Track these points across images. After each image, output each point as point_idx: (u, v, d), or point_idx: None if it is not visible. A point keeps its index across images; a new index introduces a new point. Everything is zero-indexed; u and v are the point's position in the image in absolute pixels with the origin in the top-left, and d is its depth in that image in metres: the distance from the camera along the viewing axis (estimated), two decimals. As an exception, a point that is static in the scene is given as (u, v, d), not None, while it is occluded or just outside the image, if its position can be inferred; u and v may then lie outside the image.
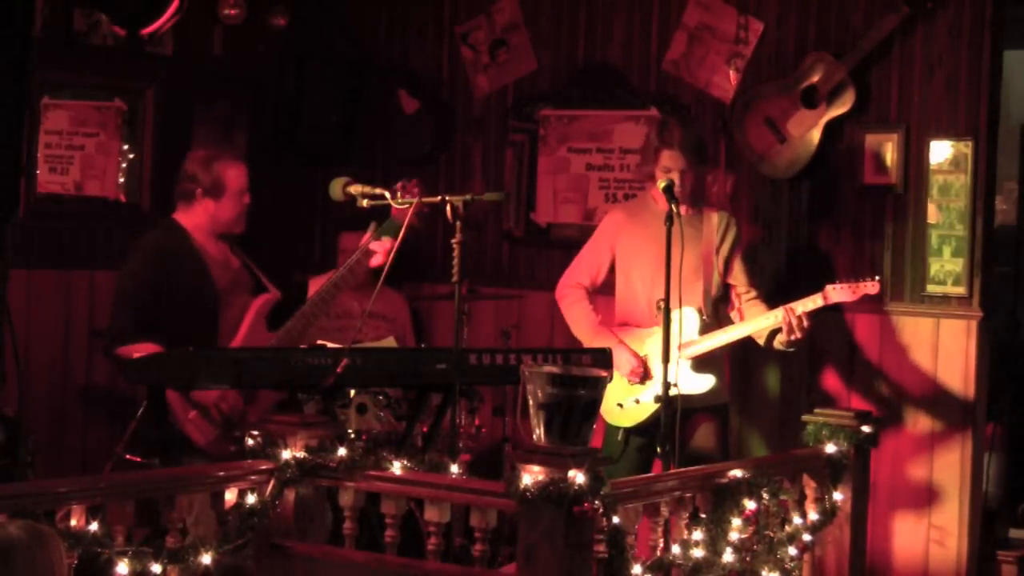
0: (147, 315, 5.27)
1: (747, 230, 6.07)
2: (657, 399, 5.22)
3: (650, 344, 5.50)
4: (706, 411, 5.59)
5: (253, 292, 5.51)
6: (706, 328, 5.56)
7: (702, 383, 5.52)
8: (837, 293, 5.46)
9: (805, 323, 5.44)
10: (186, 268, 5.38)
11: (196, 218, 5.46)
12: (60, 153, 6.60)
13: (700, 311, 5.55)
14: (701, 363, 5.54)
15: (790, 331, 5.44)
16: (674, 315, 5.17)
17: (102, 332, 5.59)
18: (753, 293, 5.70)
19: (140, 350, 5.15)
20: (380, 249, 5.36)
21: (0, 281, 4.67)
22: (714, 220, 5.69)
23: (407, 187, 5.22)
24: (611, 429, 5.68)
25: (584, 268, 5.81)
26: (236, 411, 5.24)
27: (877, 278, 5.49)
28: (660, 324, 5.14)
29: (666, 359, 5.02)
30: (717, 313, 5.70)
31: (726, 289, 5.72)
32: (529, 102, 6.91)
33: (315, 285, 5.53)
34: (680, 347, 5.37)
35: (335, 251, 6.74)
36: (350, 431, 5.35)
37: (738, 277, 5.70)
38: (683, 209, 5.56)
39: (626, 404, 5.60)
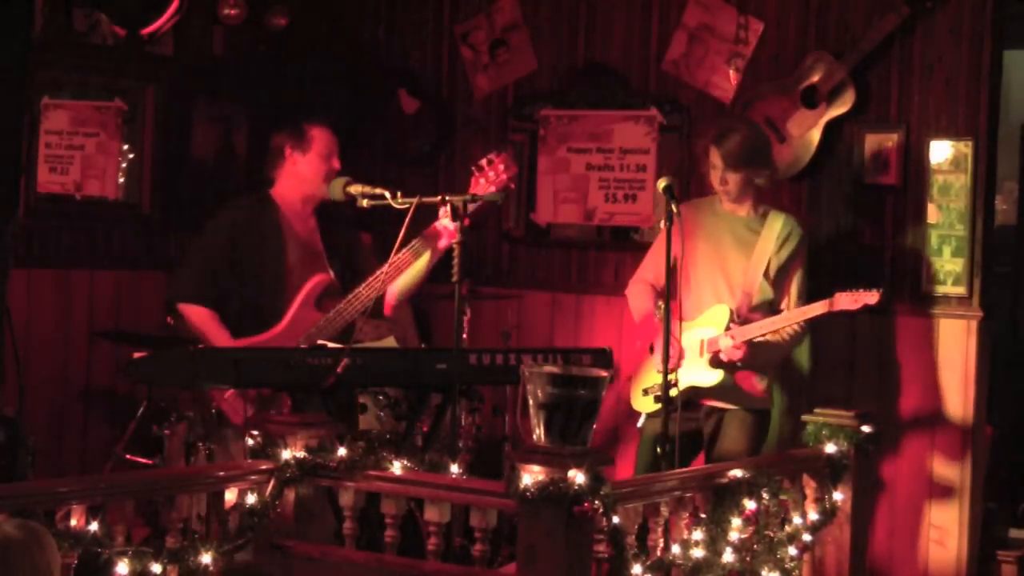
0: (212, 280, 5.33)
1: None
2: (669, 391, 5.13)
3: (683, 338, 5.48)
4: (742, 412, 5.57)
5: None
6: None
7: (711, 376, 5.51)
8: (842, 301, 5.42)
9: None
10: (263, 243, 5.39)
11: (288, 184, 5.44)
12: (60, 153, 6.60)
13: (732, 311, 5.52)
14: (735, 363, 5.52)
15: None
16: (709, 311, 5.40)
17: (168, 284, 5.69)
18: (778, 312, 5.57)
19: (196, 313, 5.27)
20: (445, 232, 5.21)
21: (0, 281, 4.67)
22: (777, 226, 5.57)
23: (494, 162, 5.12)
24: (644, 439, 5.65)
25: (651, 264, 5.76)
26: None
27: (880, 289, 5.46)
28: (696, 319, 5.47)
29: (666, 359, 5.02)
30: (763, 316, 5.60)
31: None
32: (529, 102, 6.91)
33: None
34: (702, 341, 5.47)
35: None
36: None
37: (788, 290, 5.60)
38: (743, 210, 5.57)
39: (651, 391, 5.58)
